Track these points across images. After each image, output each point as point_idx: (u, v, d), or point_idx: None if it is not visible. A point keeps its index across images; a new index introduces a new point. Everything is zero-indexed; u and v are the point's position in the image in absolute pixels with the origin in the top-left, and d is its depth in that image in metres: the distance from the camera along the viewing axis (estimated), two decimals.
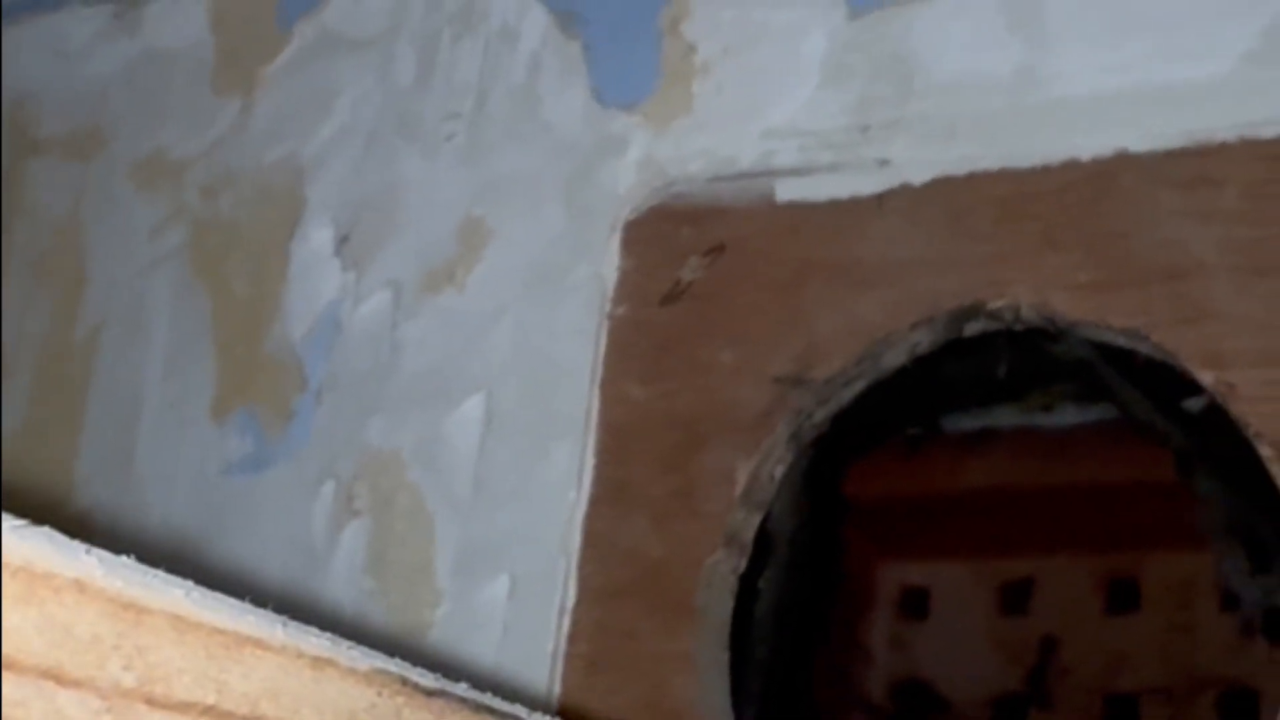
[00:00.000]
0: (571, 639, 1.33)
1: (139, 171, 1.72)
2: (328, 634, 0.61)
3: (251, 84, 1.67)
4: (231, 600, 0.57)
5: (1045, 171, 1.25)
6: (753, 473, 1.31)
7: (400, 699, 0.63)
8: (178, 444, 1.60)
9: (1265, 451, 1.14)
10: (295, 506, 1.49)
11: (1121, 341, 1.23)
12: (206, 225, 1.66)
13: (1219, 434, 1.22)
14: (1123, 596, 1.97)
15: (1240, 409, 1.15)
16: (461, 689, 0.67)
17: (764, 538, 1.34)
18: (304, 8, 1.66)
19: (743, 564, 1.32)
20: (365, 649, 0.63)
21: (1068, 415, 1.83)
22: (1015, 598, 2.04)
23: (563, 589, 1.34)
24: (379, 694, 0.62)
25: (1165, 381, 1.28)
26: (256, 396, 1.57)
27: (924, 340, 1.29)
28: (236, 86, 1.68)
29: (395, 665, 0.64)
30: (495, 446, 1.42)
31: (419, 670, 0.65)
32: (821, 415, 1.32)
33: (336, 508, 1.47)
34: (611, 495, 1.36)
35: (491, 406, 1.43)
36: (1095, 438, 1.81)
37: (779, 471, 1.32)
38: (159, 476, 1.60)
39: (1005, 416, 1.87)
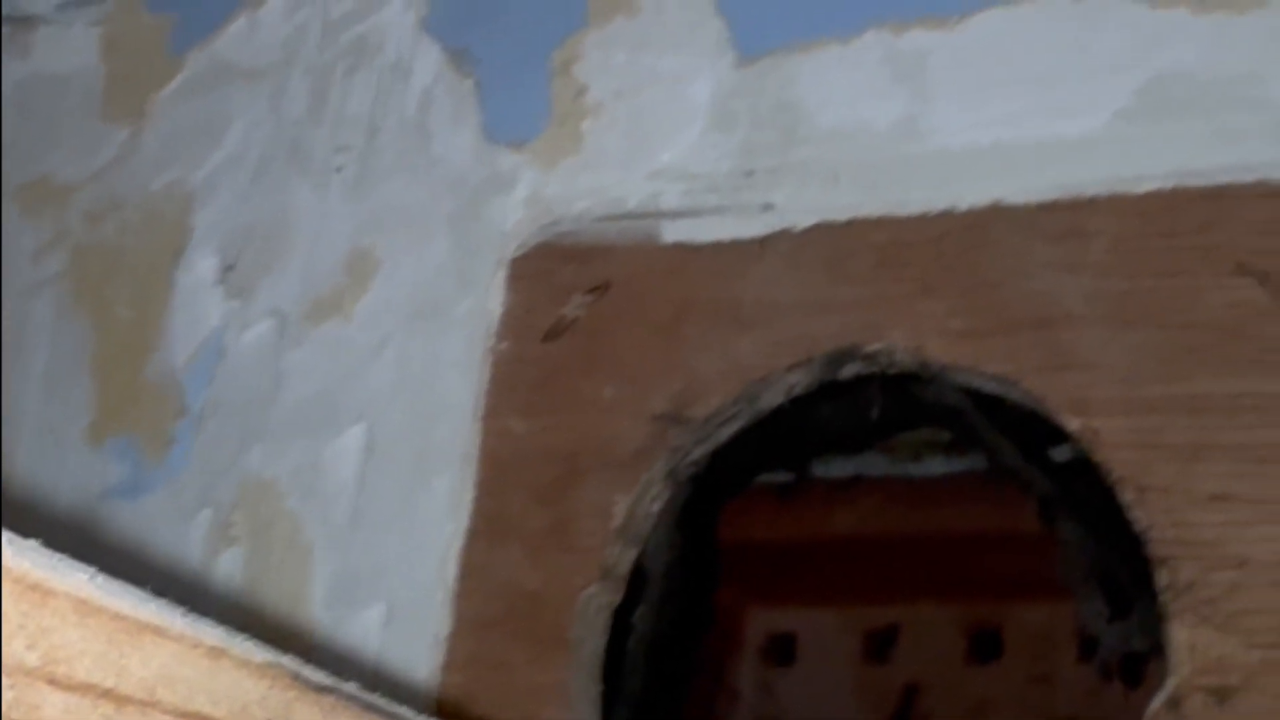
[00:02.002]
0: (446, 669, 1.34)
1: (24, 195, 1.71)
2: (224, 626, 0.62)
3: (141, 111, 1.67)
4: (133, 588, 0.58)
5: (923, 220, 1.29)
6: (629, 508, 1.33)
7: (292, 693, 0.64)
8: (55, 468, 1.59)
9: (1127, 497, 1.18)
10: (172, 533, 1.49)
11: (992, 387, 1.26)
12: (90, 251, 1.65)
13: (1083, 481, 1.25)
14: (985, 645, 2.01)
15: (1104, 456, 1.19)
16: (351, 687, 0.68)
17: (639, 573, 1.35)
18: (197, 36, 1.67)
19: (617, 598, 1.33)
20: (260, 642, 0.64)
21: (936, 465, 1.87)
22: (880, 645, 2.07)
23: (438, 619, 1.35)
24: (271, 686, 0.63)
25: (1033, 429, 1.31)
26: (136, 422, 1.56)
27: (801, 382, 1.32)
28: (126, 113, 1.68)
29: (288, 660, 0.65)
30: (375, 476, 1.43)
31: (310, 667, 0.66)
32: (699, 453, 1.35)
33: (213, 535, 1.47)
34: (489, 527, 1.37)
35: (372, 437, 1.44)
36: (962, 488, 1.84)
37: (655, 508, 1.34)
38: (35, 500, 1.58)
39: (874, 465, 1.91)
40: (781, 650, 2.12)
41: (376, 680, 0.71)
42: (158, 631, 0.59)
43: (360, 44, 1.58)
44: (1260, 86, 1.22)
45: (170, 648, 0.59)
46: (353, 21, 1.59)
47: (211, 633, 0.61)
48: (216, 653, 0.61)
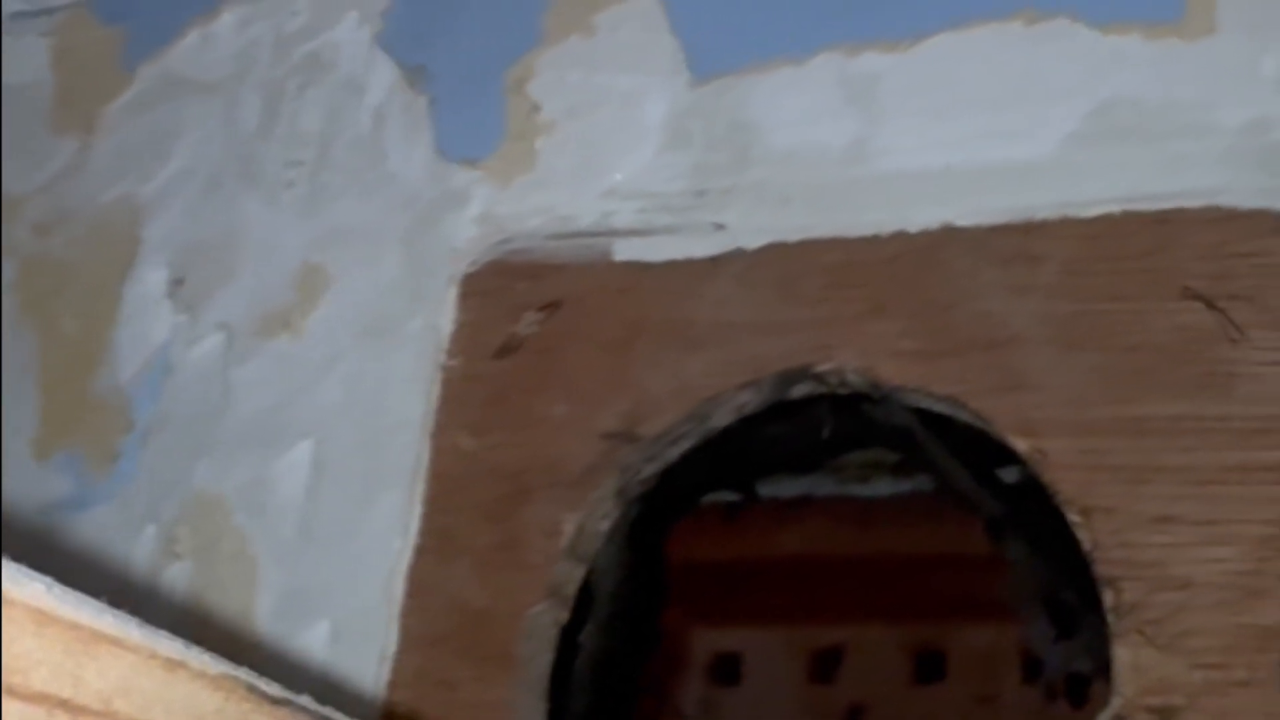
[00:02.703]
0: (392, 686, 1.34)
1: None
2: (180, 638, 0.62)
3: (91, 123, 1.67)
4: (90, 599, 0.58)
5: (874, 242, 1.30)
6: (578, 526, 1.33)
7: (247, 705, 0.64)
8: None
9: (1074, 518, 1.18)
10: (118, 548, 1.48)
11: (941, 408, 1.27)
12: (37, 263, 1.65)
13: (1031, 502, 1.26)
14: (930, 666, 2.02)
15: (1052, 477, 1.20)
16: (305, 700, 0.68)
17: (587, 592, 1.35)
18: (148, 50, 1.66)
19: (564, 616, 1.33)
20: (215, 655, 0.64)
21: (883, 486, 1.88)
22: (825, 665, 2.08)
23: (385, 636, 1.35)
24: (227, 699, 0.63)
25: (982, 450, 1.32)
26: (81, 437, 1.55)
27: (751, 401, 1.32)
28: (76, 125, 1.68)
29: (243, 673, 0.65)
30: (322, 493, 1.42)
31: (265, 679, 0.66)
32: (648, 472, 1.35)
33: (158, 551, 1.46)
34: (437, 544, 1.37)
35: (321, 453, 1.43)
36: (909, 510, 1.85)
37: (604, 526, 1.34)
38: None
39: (823, 485, 1.91)
40: (727, 670, 2.12)
41: (323, 697, 0.71)
42: (115, 642, 0.58)
43: (313, 60, 1.58)
44: (1207, 113, 1.24)
45: (128, 658, 0.59)
46: (306, 37, 1.59)
47: (168, 644, 0.61)
48: (173, 664, 0.61)
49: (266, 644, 1.38)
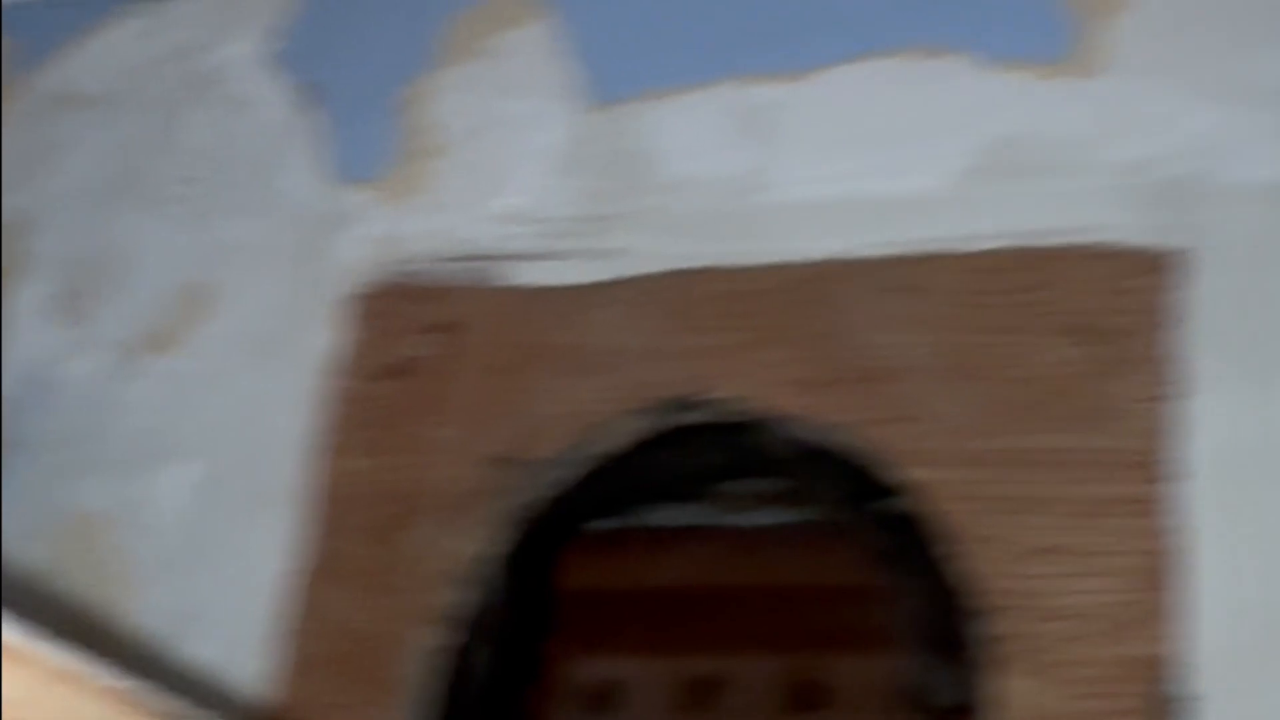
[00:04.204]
0: (276, 710, 1.32)
1: None
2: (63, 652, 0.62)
3: None
4: None
5: (766, 271, 1.31)
6: (464, 551, 1.33)
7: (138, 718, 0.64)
8: None
9: (957, 549, 1.20)
10: None
11: (828, 438, 1.28)
12: None
13: (915, 532, 1.28)
14: (809, 697, 2.02)
15: (935, 507, 1.22)
16: (198, 715, 0.67)
17: (474, 616, 1.35)
18: (39, 62, 1.65)
19: (451, 641, 1.32)
20: (99, 667, 0.63)
21: (765, 516, 1.88)
22: (702, 695, 2.08)
23: (269, 659, 1.34)
24: (119, 712, 0.63)
25: (867, 480, 1.33)
26: None
27: (638, 428, 1.33)
28: None
29: (134, 686, 0.64)
30: (207, 512, 1.41)
31: (151, 692, 0.65)
32: (535, 498, 1.35)
33: (41, 568, 1.44)
34: (323, 567, 1.36)
35: (206, 472, 1.42)
36: (790, 540, 1.86)
37: (490, 551, 1.34)
38: None
39: (704, 515, 1.92)
40: (604, 699, 2.12)
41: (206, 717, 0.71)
42: (8, 655, 0.58)
43: (206, 76, 1.57)
44: (1093, 151, 1.26)
45: (19, 671, 0.58)
46: (199, 53, 1.58)
47: (60, 656, 0.60)
48: (64, 676, 0.60)
49: (149, 662, 1.36)
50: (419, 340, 1.39)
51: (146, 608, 1.39)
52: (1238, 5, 1.27)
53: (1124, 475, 1.17)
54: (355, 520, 1.36)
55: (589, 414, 1.33)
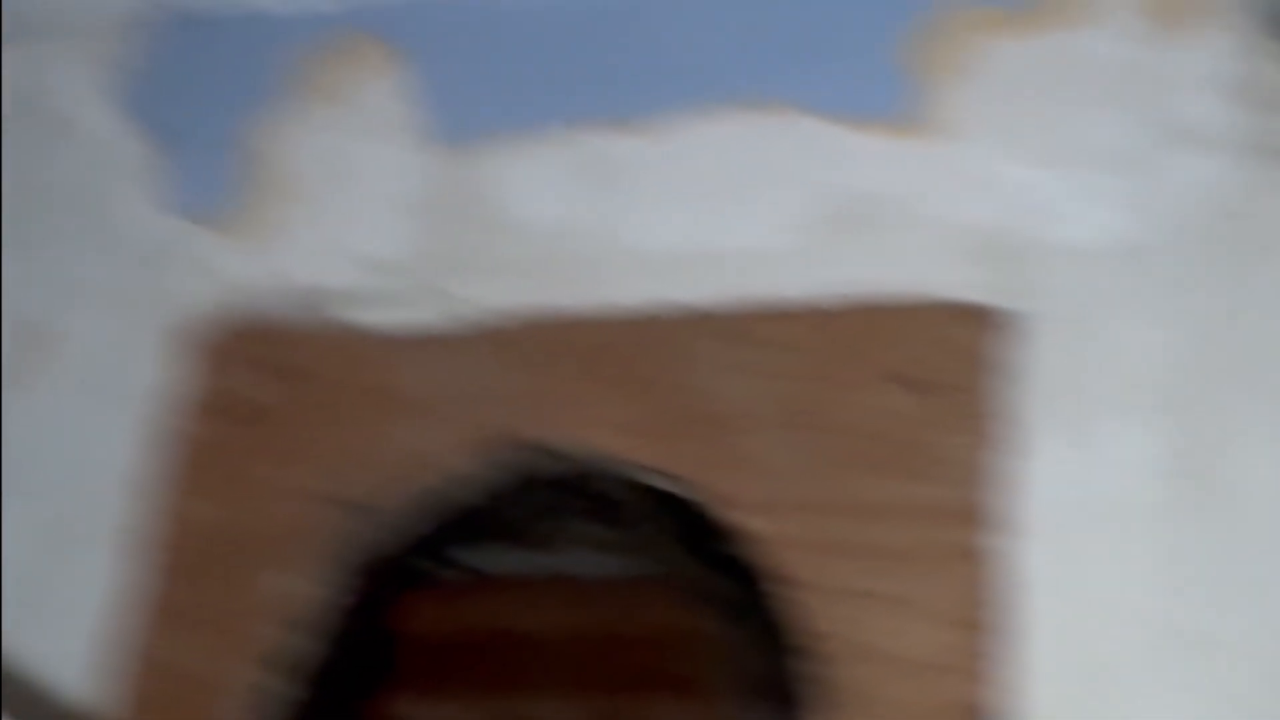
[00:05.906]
0: None
1: None
2: None
3: None
4: None
5: (604, 318, 1.33)
6: (301, 596, 1.33)
7: None
8: None
9: (789, 594, 1.23)
10: None
11: (664, 485, 1.30)
12: None
13: (748, 578, 1.30)
14: None
15: (773, 554, 1.24)
16: None
17: (305, 660, 1.34)
18: None
19: (286, 686, 1.32)
20: None
21: (592, 563, 1.89)
22: None
23: (99, 702, 1.32)
24: None
25: (702, 526, 1.35)
26: None
27: (479, 474, 1.34)
28: None
29: None
30: (36, 554, 1.39)
31: None
32: (373, 542, 1.35)
33: None
34: (158, 609, 1.35)
35: (36, 513, 1.41)
36: (618, 587, 1.87)
37: (327, 596, 1.34)
38: None
39: (529, 560, 1.92)
40: None
41: None
42: None
43: (41, 108, 1.56)
44: (928, 208, 1.30)
45: None
46: (33, 84, 1.57)
47: None
48: None
49: None
50: (262, 382, 1.39)
51: None
52: (1070, 72, 1.31)
53: (948, 524, 1.21)
54: (190, 563, 1.35)
55: (429, 458, 1.34)
